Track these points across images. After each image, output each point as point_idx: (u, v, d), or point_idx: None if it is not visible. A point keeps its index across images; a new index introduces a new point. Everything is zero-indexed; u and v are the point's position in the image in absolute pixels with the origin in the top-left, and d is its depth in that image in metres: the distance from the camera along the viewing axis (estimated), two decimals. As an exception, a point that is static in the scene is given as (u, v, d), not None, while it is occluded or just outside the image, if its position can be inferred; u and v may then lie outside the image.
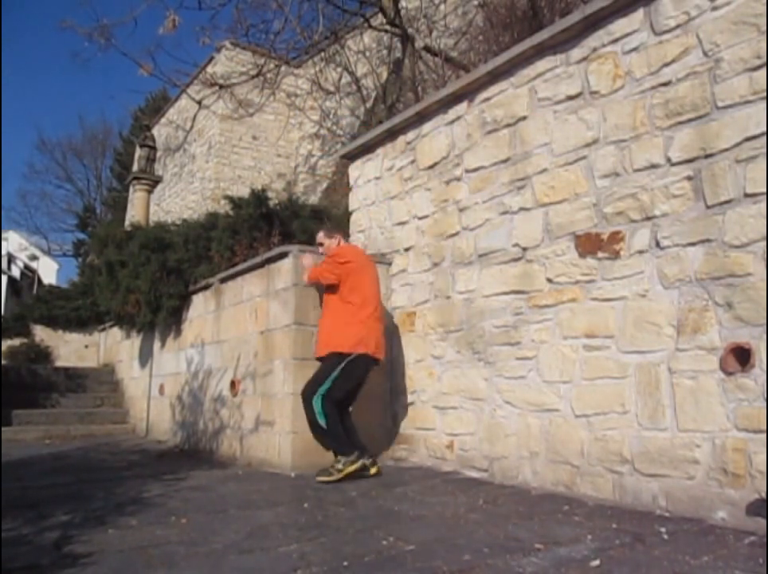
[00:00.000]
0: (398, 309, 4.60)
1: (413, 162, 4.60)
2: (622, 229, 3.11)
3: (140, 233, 7.12)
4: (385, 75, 7.65)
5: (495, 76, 3.91)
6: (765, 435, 2.46)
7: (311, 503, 3.11)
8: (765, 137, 2.59)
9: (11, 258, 23.45)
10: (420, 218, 4.47)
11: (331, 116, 8.92)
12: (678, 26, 2.95)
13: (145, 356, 7.65)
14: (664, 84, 2.98)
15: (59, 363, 10.35)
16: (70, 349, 11.23)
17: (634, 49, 3.13)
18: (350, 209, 5.27)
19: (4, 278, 20.86)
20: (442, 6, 7.62)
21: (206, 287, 5.89)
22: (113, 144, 29.15)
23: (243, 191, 7.78)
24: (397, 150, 4.78)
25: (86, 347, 11.21)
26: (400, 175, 4.73)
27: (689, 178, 2.85)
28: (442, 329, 4.16)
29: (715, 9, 2.81)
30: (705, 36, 2.84)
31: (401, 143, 4.75)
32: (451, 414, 4.05)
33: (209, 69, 10.08)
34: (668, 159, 2.94)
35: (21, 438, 6.67)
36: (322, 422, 3.73)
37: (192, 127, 11.04)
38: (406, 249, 4.57)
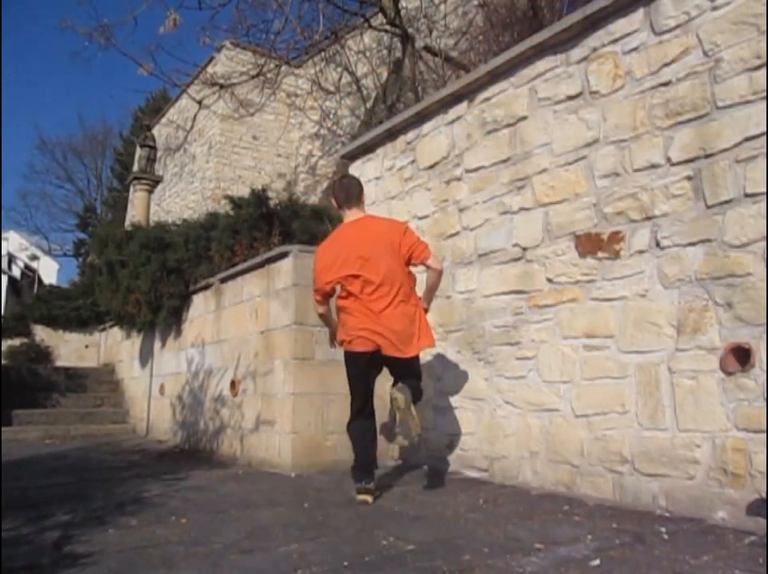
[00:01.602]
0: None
1: (413, 162, 4.60)
2: (622, 229, 3.11)
3: (140, 233, 7.13)
4: (385, 75, 7.65)
5: (495, 76, 3.90)
6: (765, 435, 2.46)
7: (311, 503, 3.11)
8: (765, 137, 2.58)
9: (11, 258, 23.48)
10: (420, 218, 4.47)
11: (331, 116, 8.92)
12: (678, 26, 2.95)
13: (145, 356, 7.66)
14: (664, 84, 2.98)
15: (59, 363, 10.36)
16: (70, 349, 11.23)
17: (634, 49, 3.13)
18: (351, 209, 5.27)
19: (4, 278, 20.88)
20: (442, 6, 7.61)
21: (206, 287, 5.90)
22: (113, 144, 29.17)
23: (243, 191, 7.77)
24: (397, 150, 4.78)
25: (86, 347, 11.22)
26: (400, 175, 4.72)
27: (689, 178, 2.85)
28: (442, 329, 4.16)
29: (715, 9, 2.81)
30: (705, 36, 2.84)
31: (401, 143, 4.74)
32: (451, 414, 4.05)
33: (210, 69, 10.08)
34: (668, 159, 2.93)
35: (21, 438, 6.68)
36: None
37: (192, 127, 11.02)
38: (406, 249, 4.56)
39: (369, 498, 3.08)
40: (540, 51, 3.61)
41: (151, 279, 6.32)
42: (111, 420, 7.98)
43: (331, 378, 4.38)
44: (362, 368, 3.22)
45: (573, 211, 3.36)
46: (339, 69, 7.82)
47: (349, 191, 3.33)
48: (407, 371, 3.23)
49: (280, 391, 4.37)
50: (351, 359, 3.23)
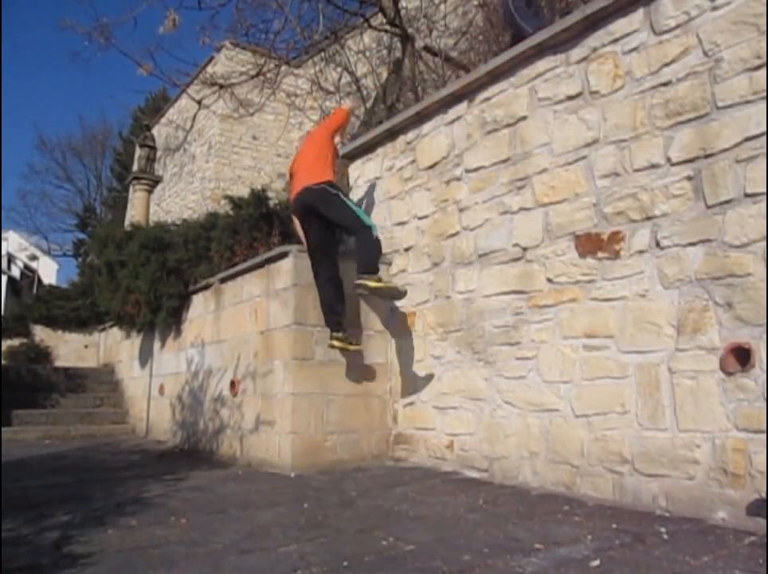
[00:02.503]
0: (398, 309, 4.60)
1: (413, 162, 4.60)
2: (622, 229, 3.11)
3: (140, 233, 7.12)
4: (385, 75, 7.64)
5: (495, 76, 3.90)
6: (765, 435, 2.46)
7: (311, 503, 3.11)
8: (765, 137, 2.58)
9: (11, 258, 23.49)
10: (420, 218, 4.47)
11: (331, 116, 8.90)
12: (678, 26, 2.95)
13: (145, 356, 7.65)
14: (664, 84, 2.98)
15: (59, 363, 10.33)
16: (70, 349, 11.21)
17: (634, 49, 3.13)
18: (350, 209, 5.26)
19: (4, 278, 20.89)
20: (442, 6, 7.61)
21: (206, 287, 5.89)
22: (113, 144, 29.23)
23: (243, 191, 7.78)
24: (397, 150, 4.78)
25: (86, 347, 11.19)
26: (400, 175, 4.72)
27: (689, 178, 2.85)
28: (442, 329, 4.16)
29: (715, 9, 2.81)
30: (705, 36, 2.84)
31: (401, 143, 4.74)
32: (451, 414, 4.04)
33: (209, 69, 10.08)
34: (668, 159, 2.94)
35: (21, 438, 6.67)
36: None
37: (192, 127, 11.03)
38: (406, 250, 4.57)
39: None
40: (540, 51, 3.61)
41: (151, 279, 6.31)
42: (111, 420, 7.96)
43: (331, 378, 4.38)
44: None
45: (573, 211, 3.36)
46: (339, 69, 7.81)
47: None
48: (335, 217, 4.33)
49: (279, 392, 4.37)
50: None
